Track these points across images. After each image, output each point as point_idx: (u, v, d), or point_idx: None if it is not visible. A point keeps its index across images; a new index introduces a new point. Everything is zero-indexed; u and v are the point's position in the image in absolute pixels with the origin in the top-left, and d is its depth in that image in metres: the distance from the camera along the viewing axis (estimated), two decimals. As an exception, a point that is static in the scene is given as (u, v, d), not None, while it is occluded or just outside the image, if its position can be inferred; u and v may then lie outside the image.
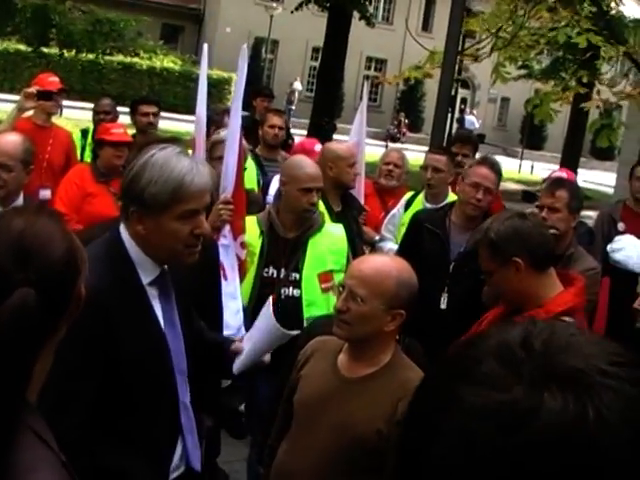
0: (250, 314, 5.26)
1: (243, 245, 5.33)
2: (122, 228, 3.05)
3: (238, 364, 3.44)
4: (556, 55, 23.03)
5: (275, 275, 5.29)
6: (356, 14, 23.70)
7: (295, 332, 3.59)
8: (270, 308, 3.47)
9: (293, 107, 40.25)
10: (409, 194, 7.27)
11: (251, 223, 5.46)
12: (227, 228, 5.20)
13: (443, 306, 5.46)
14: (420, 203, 6.87)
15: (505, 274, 3.88)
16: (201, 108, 5.62)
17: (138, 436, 2.99)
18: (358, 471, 3.32)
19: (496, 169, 5.73)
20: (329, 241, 5.32)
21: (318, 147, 7.24)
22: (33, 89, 7.21)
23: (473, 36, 16.95)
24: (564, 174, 6.82)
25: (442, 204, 6.32)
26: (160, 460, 3.16)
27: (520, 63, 18.98)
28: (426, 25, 46.78)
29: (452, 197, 6.46)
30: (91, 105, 9.66)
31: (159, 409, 3.10)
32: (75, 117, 19.90)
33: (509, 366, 1.04)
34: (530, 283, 3.87)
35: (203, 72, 5.71)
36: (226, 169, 5.21)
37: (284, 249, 5.27)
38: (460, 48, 12.17)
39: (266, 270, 5.31)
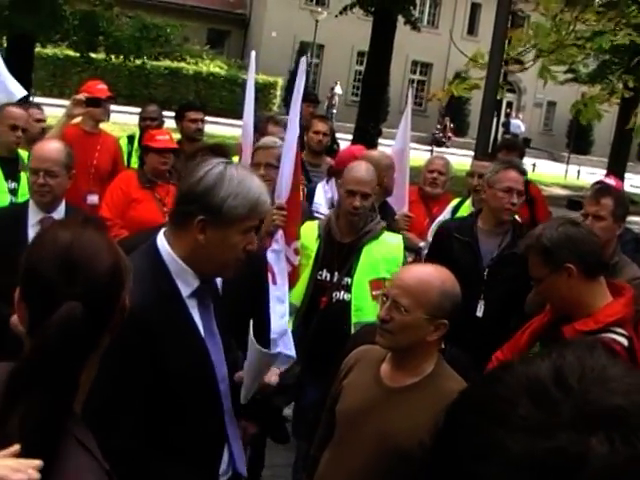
0: (303, 316, 5.40)
1: (297, 251, 5.39)
2: (160, 238, 3.06)
3: (242, 394, 3.42)
4: (602, 59, 22.81)
5: (328, 279, 5.36)
6: (401, 18, 23.67)
7: (275, 351, 3.57)
8: (251, 333, 3.42)
9: (334, 111, 40.28)
10: (456, 200, 7.28)
11: (311, 227, 5.56)
12: (279, 233, 5.24)
13: (479, 314, 5.43)
14: (467, 209, 6.86)
15: (556, 281, 3.86)
16: (248, 115, 5.66)
17: (187, 445, 3.02)
18: (400, 480, 3.33)
19: (522, 170, 5.79)
20: (385, 249, 5.35)
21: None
22: (82, 96, 7.27)
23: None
24: (611, 181, 6.76)
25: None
26: (209, 467, 3.20)
27: (567, 67, 18.84)
28: (472, 29, 46.61)
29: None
30: (138, 110, 9.76)
31: (206, 417, 3.14)
32: (122, 121, 20.15)
33: (547, 408, 1.00)
34: (580, 291, 3.84)
35: (251, 79, 5.74)
36: (282, 176, 5.26)
37: (339, 253, 5.34)
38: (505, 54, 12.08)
39: (320, 273, 5.39)
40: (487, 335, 4.83)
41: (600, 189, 5.73)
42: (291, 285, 5.39)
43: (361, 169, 5.39)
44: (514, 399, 1.03)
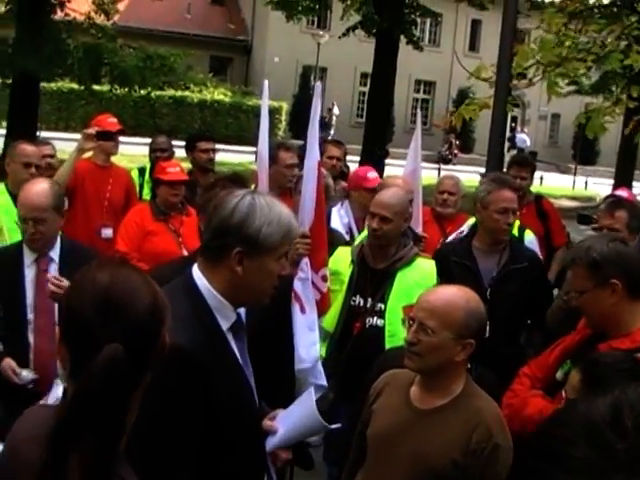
0: (336, 342, 5.38)
1: (325, 278, 5.37)
2: (196, 274, 3.05)
3: (272, 443, 3.37)
4: (605, 69, 22.83)
5: (362, 304, 5.36)
6: (403, 38, 23.73)
7: (335, 426, 3.52)
8: (313, 398, 3.41)
9: (332, 132, 40.22)
10: (473, 219, 7.28)
11: (344, 252, 5.60)
12: (305, 261, 5.23)
13: (486, 334, 5.36)
14: None
15: (599, 295, 3.83)
16: (263, 142, 5.66)
17: (233, 476, 3.02)
18: (433, 501, 3.33)
19: (515, 187, 5.77)
20: (418, 275, 5.33)
21: (371, 174, 7.26)
22: (92, 130, 7.30)
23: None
24: (624, 193, 6.76)
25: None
26: None
27: (569, 80, 18.86)
28: (473, 45, 46.74)
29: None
30: (144, 140, 9.79)
31: (250, 448, 3.14)
32: (129, 153, 20.15)
33: (602, 451, 0.99)
34: (622, 308, 3.81)
35: (265, 106, 5.75)
36: (304, 203, 5.26)
37: (372, 279, 5.35)
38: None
39: (353, 299, 5.39)
40: (497, 355, 4.75)
41: (613, 202, 5.74)
42: (321, 312, 5.37)
43: (386, 193, 5.44)
44: (572, 441, 1.03)
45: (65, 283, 4.58)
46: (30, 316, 4.92)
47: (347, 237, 6.83)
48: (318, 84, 5.60)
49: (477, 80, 13.86)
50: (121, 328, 1.99)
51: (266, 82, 5.84)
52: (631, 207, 5.52)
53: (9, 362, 4.77)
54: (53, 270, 4.98)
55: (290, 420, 3.38)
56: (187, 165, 8.38)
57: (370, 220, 5.31)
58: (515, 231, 6.77)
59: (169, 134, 10.08)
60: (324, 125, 39.43)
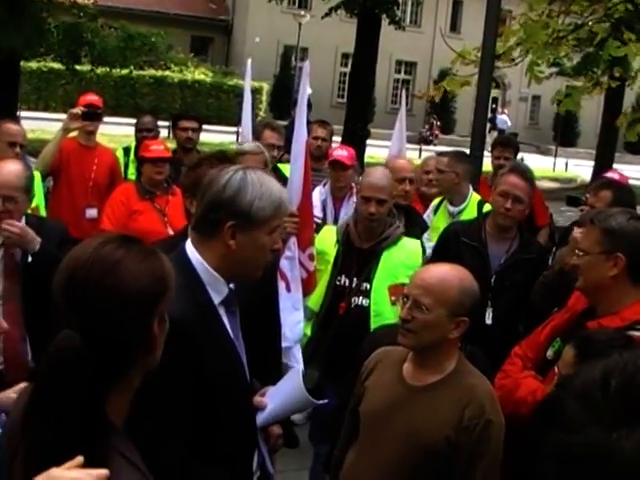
0: (321, 321, 5.38)
1: (311, 257, 5.38)
2: (189, 249, 3.08)
3: (261, 419, 3.41)
4: (586, 51, 22.87)
5: (347, 284, 5.34)
6: (385, 18, 23.68)
7: (323, 401, 3.52)
8: (300, 375, 3.43)
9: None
10: (438, 199, 7.32)
11: (329, 232, 5.61)
12: (292, 240, 5.24)
13: (489, 321, 5.34)
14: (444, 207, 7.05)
15: (601, 263, 3.81)
16: (246, 121, 5.67)
17: (226, 449, 3.06)
18: (426, 477, 3.37)
19: (527, 177, 5.56)
20: (404, 254, 5.33)
21: (337, 152, 7.25)
22: (78, 110, 7.28)
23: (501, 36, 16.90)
24: (615, 175, 6.76)
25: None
26: (246, 469, 3.26)
27: (551, 61, 18.87)
28: (454, 26, 46.63)
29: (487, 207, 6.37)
30: (125, 120, 9.76)
31: (242, 421, 3.18)
32: (110, 133, 20.06)
33: (590, 408, 1.07)
34: (617, 285, 3.80)
35: (247, 85, 5.75)
36: (291, 183, 5.26)
37: (357, 259, 5.33)
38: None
39: (339, 279, 5.38)
40: (497, 343, 4.72)
41: (602, 182, 5.76)
42: (308, 291, 5.39)
43: (377, 175, 5.39)
44: (565, 400, 1.13)
45: (18, 226, 4.71)
46: None
47: (320, 214, 6.88)
48: (306, 64, 5.61)
49: (459, 61, 13.85)
50: (82, 315, 1.95)
51: (249, 61, 5.83)
52: (618, 188, 5.51)
53: None
54: (18, 254, 4.87)
55: (278, 396, 3.42)
56: (173, 145, 8.36)
57: (365, 205, 5.26)
58: (474, 206, 6.81)
59: (150, 114, 10.02)
60: (310, 105, 39.32)
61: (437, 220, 6.99)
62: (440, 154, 7.46)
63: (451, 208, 7.01)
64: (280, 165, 7.08)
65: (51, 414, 1.86)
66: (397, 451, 3.37)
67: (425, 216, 7.15)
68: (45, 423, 1.86)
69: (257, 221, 3.01)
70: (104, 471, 1.66)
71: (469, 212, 6.81)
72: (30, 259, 4.81)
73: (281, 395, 3.42)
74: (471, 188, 7.17)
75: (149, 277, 2.07)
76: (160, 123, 9.37)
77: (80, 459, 1.68)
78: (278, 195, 3.07)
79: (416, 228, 6.38)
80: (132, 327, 2.03)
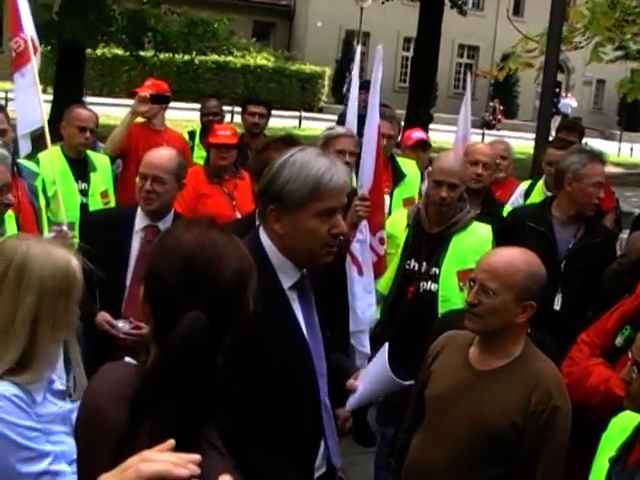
0: (390, 305, 5.37)
1: (382, 241, 5.39)
2: (261, 231, 3.09)
3: (351, 402, 3.41)
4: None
5: (416, 268, 5.30)
6: (447, 2, 23.54)
7: (409, 382, 3.51)
8: (385, 356, 3.37)
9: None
10: (526, 183, 7.23)
11: (401, 216, 5.58)
12: (363, 224, 5.26)
13: (557, 307, 5.31)
14: (540, 192, 6.88)
15: None
16: (352, 108, 5.75)
17: (281, 437, 3.02)
18: (491, 462, 3.36)
19: (603, 160, 5.59)
20: (473, 240, 5.26)
21: (414, 134, 7.26)
22: (146, 93, 7.34)
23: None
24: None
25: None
26: (305, 460, 3.20)
27: (617, 44, 18.61)
28: (517, 9, 46.07)
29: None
30: (188, 105, 9.80)
31: (302, 411, 3.13)
32: (173, 118, 20.20)
33: None
34: None
35: (355, 77, 5.85)
36: (363, 166, 5.26)
37: (427, 243, 5.28)
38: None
39: (408, 263, 5.33)
40: (565, 329, 4.70)
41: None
42: (378, 274, 5.40)
43: (449, 159, 5.31)
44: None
45: None
46: (127, 282, 4.83)
47: None
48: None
49: (521, 44, 13.71)
50: (205, 296, 1.99)
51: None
52: None
53: (103, 315, 4.71)
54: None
55: (367, 378, 3.42)
56: (242, 130, 8.41)
57: (436, 189, 5.18)
58: None
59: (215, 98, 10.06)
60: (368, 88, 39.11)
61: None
62: (555, 146, 7.27)
63: (548, 193, 6.85)
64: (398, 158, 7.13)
65: (183, 395, 1.88)
66: (462, 435, 3.37)
67: (512, 200, 7.04)
68: (179, 404, 1.88)
69: (292, 204, 2.96)
70: (196, 456, 1.64)
71: None
72: None
73: (369, 377, 3.42)
74: None
75: (247, 258, 2.14)
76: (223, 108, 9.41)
77: (172, 442, 1.67)
78: (317, 176, 2.96)
79: (492, 211, 6.23)
80: (240, 304, 2.10)
